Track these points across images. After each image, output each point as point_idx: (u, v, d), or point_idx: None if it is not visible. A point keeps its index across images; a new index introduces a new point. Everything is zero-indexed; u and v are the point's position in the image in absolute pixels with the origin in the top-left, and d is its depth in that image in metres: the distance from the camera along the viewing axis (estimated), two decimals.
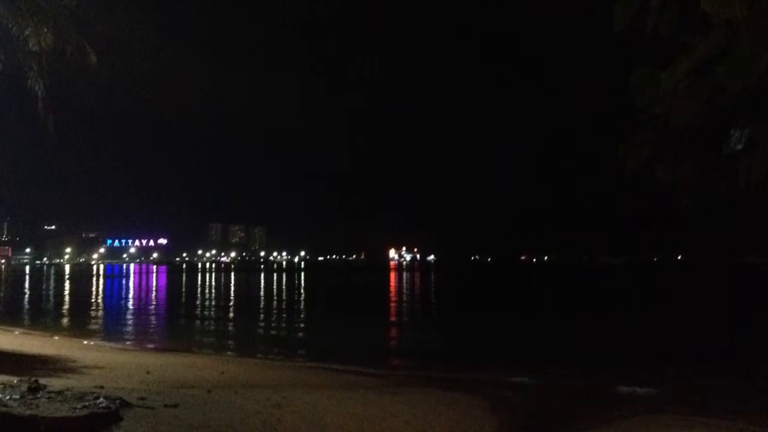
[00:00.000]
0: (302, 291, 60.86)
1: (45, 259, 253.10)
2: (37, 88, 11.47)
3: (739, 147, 2.25)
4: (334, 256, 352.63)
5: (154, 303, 45.37)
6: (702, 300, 44.82)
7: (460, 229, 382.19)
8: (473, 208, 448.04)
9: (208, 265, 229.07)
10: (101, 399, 7.47)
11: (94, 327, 27.59)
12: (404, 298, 49.70)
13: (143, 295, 55.31)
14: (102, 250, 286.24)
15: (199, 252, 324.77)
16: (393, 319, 32.38)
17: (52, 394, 7.58)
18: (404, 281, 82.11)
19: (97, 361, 13.65)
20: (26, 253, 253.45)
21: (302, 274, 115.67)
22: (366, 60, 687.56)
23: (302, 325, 29.02)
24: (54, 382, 9.08)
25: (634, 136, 2.53)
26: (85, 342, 20.70)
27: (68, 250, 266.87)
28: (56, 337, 21.59)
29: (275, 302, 44.64)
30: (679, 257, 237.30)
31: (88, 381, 10.23)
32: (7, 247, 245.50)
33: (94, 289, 63.91)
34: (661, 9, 2.27)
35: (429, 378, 14.26)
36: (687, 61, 2.23)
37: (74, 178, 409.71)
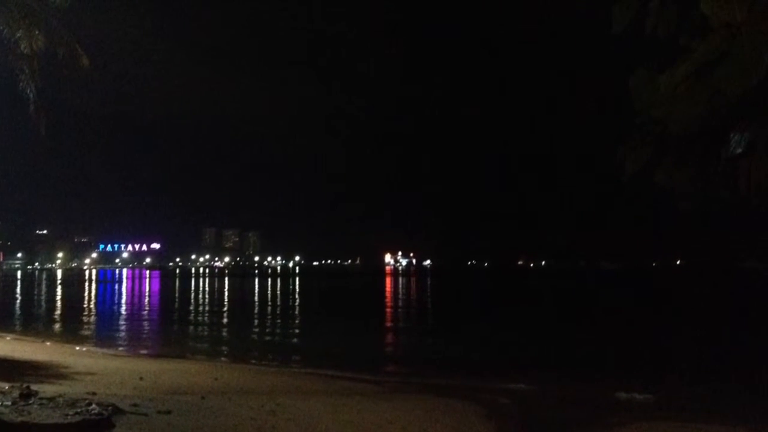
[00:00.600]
0: (297, 296, 60.68)
1: (37, 263, 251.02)
2: (28, 90, 11.38)
3: (739, 151, 2.24)
4: (329, 261, 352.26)
5: (147, 308, 45.05)
6: (701, 305, 44.77)
7: (457, 234, 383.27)
8: (470, 212, 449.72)
9: (201, 270, 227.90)
10: (93, 405, 7.41)
11: (86, 333, 27.40)
12: (400, 304, 49.61)
13: (136, 300, 54.95)
14: (94, 254, 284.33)
15: (193, 257, 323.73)
16: (388, 324, 32.29)
17: (44, 401, 7.52)
18: (400, 286, 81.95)
19: (90, 367, 13.53)
20: (18, 258, 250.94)
21: (297, 279, 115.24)
22: (364, 63, 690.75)
23: (297, 331, 28.87)
24: (46, 389, 8.99)
25: (633, 140, 2.52)
26: (78, 348, 20.55)
27: (60, 254, 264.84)
28: (48, 343, 21.40)
29: (269, 308, 44.43)
30: (678, 262, 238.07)
31: (81, 387, 10.13)
32: None
33: (86, 294, 63.50)
34: (660, 11, 2.26)
35: (425, 384, 14.21)
36: (686, 64, 2.22)
37: (66, 181, 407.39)
